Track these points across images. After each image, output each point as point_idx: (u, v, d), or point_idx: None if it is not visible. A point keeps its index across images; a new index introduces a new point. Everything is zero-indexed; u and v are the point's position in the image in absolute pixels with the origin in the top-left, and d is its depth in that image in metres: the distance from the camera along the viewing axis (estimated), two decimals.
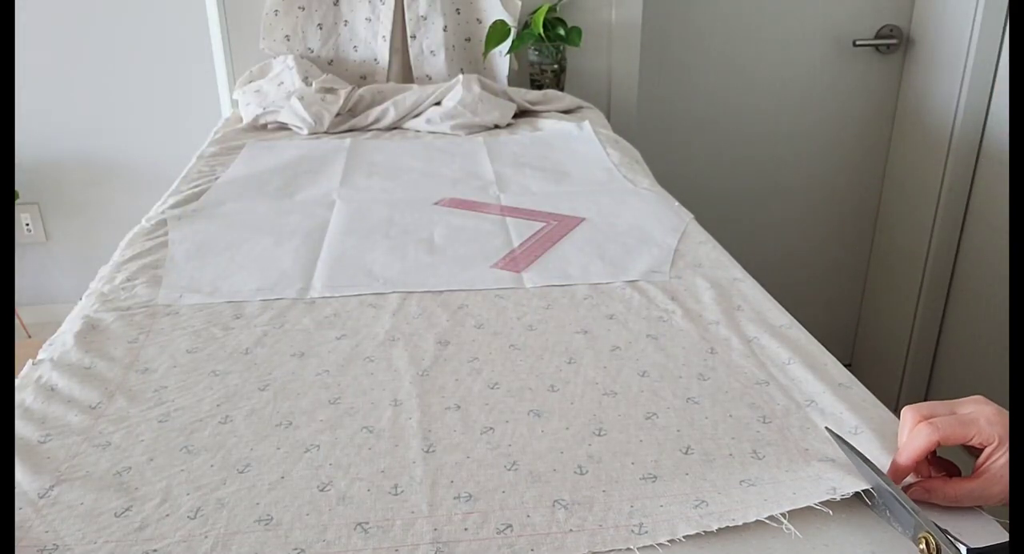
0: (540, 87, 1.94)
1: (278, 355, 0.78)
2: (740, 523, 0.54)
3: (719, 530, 0.54)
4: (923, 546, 0.50)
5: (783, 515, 0.54)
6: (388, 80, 1.87)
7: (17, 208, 2.23)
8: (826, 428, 0.63)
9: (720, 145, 2.29)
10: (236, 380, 0.74)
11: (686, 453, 0.63)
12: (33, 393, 0.71)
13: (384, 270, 0.97)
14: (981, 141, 2.03)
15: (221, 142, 1.54)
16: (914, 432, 0.56)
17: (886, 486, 0.54)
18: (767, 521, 0.55)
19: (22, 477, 0.61)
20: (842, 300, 2.51)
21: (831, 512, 0.55)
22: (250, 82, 1.81)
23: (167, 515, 0.57)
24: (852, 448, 0.58)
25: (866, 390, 0.70)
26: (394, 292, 0.91)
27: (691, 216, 1.14)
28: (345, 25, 1.86)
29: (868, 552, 0.52)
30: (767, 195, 2.36)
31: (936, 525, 0.51)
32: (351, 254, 1.01)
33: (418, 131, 1.65)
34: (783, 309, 0.86)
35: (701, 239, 1.06)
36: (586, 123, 1.63)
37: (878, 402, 0.68)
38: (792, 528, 0.53)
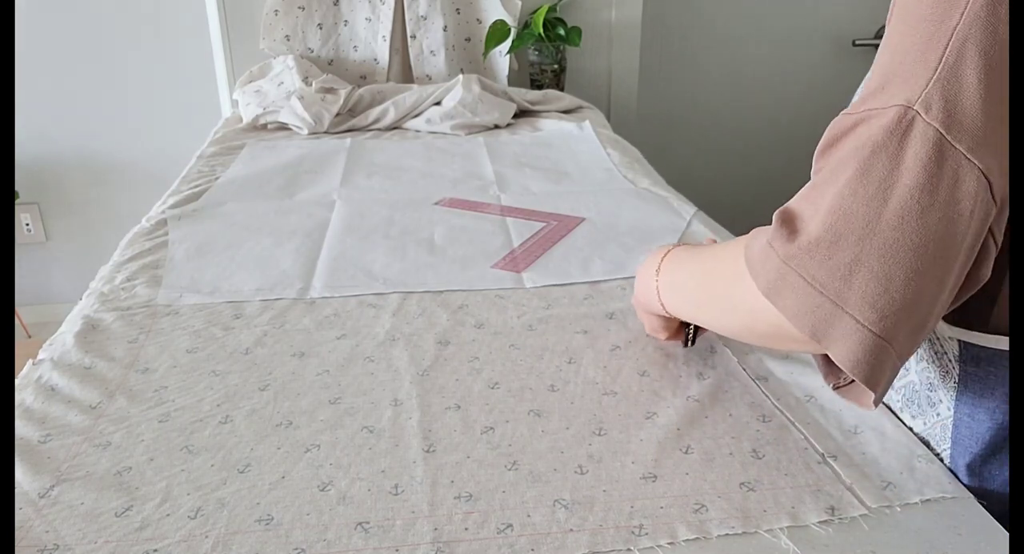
0: (540, 87, 1.94)
1: (278, 355, 0.78)
2: (739, 532, 0.54)
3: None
4: None
5: (781, 529, 0.54)
6: (388, 80, 1.88)
7: (17, 208, 2.23)
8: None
9: (720, 145, 2.29)
10: (236, 380, 0.74)
11: (686, 452, 0.63)
12: (33, 393, 0.71)
13: (384, 270, 0.97)
14: None
15: (221, 142, 1.54)
16: None
17: None
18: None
19: (22, 477, 0.61)
20: None
21: (831, 531, 0.55)
22: (250, 82, 1.81)
23: (167, 515, 0.57)
24: None
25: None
26: (394, 292, 0.91)
27: (695, 209, 1.15)
28: (345, 25, 1.86)
29: (868, 552, 0.52)
30: (767, 195, 2.35)
31: None
32: (351, 254, 1.01)
33: (418, 131, 1.65)
34: None
35: (701, 239, 1.06)
36: (586, 123, 1.63)
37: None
38: (791, 543, 0.53)
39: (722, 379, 0.73)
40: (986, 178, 0.46)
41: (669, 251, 0.71)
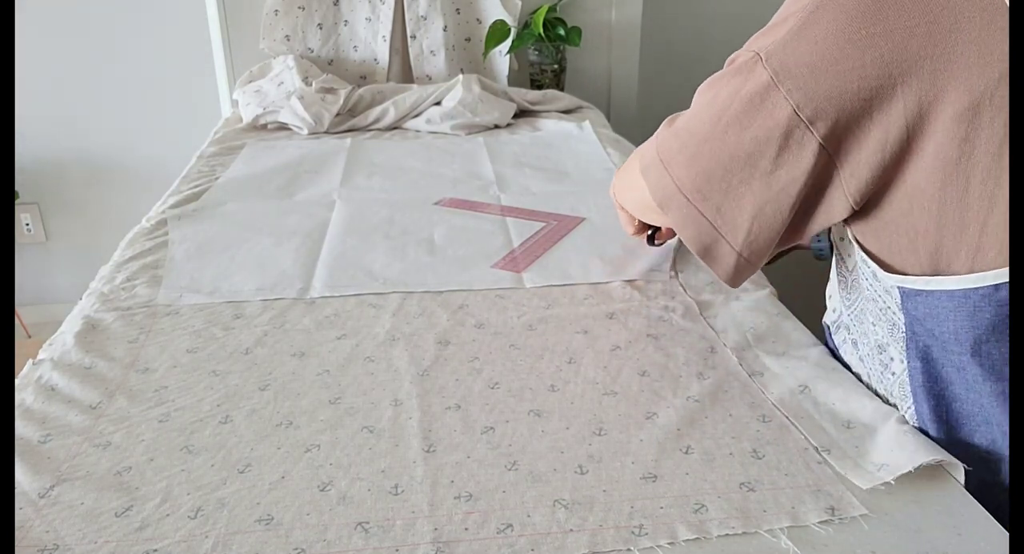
0: (540, 87, 1.94)
1: (278, 355, 0.78)
2: (740, 532, 0.54)
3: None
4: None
5: (781, 529, 0.54)
6: (388, 80, 1.87)
7: (17, 208, 2.23)
8: None
9: None
10: (236, 380, 0.74)
11: (686, 452, 0.63)
12: (33, 393, 0.71)
13: (384, 270, 0.97)
14: None
15: (221, 142, 1.54)
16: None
17: None
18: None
19: (22, 477, 0.61)
20: None
21: (831, 531, 0.55)
22: (250, 82, 1.81)
23: (167, 515, 0.57)
24: None
25: (859, 382, 0.70)
26: (394, 292, 0.91)
27: None
28: (345, 25, 1.86)
29: (868, 552, 0.52)
30: None
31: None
32: (351, 254, 1.02)
33: (418, 131, 1.65)
34: (783, 306, 0.86)
35: None
36: (586, 123, 1.63)
37: (870, 393, 0.68)
38: (791, 543, 0.53)
39: (722, 379, 0.73)
40: (797, 114, 0.58)
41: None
